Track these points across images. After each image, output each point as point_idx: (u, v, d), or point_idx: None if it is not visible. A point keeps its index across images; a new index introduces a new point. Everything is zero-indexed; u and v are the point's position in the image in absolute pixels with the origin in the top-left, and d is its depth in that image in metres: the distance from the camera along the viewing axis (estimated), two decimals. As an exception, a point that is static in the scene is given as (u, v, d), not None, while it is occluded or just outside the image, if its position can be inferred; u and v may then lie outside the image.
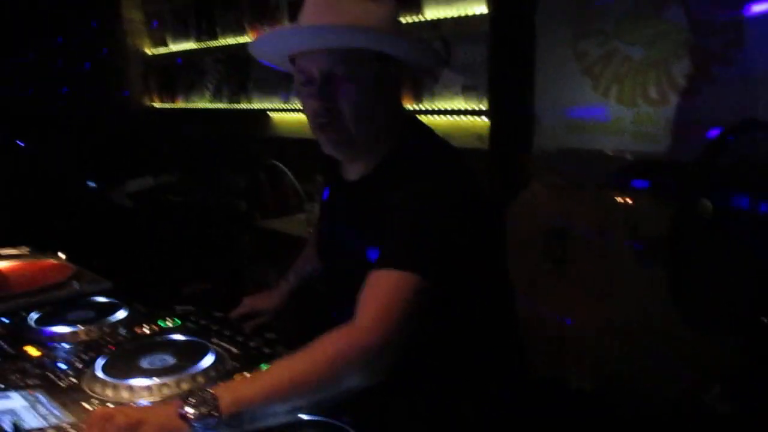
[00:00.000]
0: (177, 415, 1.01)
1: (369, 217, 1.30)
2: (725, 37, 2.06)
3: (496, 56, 2.64)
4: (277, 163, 3.77)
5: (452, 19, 2.81)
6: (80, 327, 1.52)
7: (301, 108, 1.33)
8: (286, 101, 3.83)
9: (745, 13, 2.00)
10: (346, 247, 1.39)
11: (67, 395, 1.21)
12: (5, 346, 1.44)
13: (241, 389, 1.06)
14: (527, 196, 2.58)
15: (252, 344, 1.40)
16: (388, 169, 1.31)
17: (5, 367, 1.33)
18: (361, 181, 1.36)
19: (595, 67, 2.42)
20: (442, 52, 2.86)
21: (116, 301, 1.67)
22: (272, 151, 3.90)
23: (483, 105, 2.74)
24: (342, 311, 1.45)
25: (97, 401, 1.18)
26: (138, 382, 1.22)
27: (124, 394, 1.20)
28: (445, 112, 2.86)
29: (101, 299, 1.71)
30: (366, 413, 1.10)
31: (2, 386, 1.24)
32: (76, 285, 1.82)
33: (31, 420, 1.12)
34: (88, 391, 1.23)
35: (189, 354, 1.31)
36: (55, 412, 1.15)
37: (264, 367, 1.27)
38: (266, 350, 1.37)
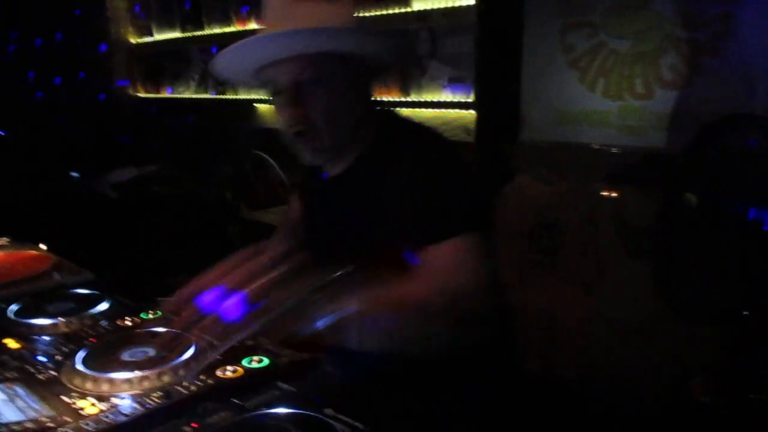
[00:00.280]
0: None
1: (360, 203, 1.31)
2: (713, 29, 2.06)
3: (484, 48, 2.63)
4: (264, 154, 3.75)
5: (439, 10, 2.80)
6: (61, 319, 1.49)
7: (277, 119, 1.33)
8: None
9: (732, 5, 2.01)
10: (337, 238, 1.38)
11: (46, 388, 1.19)
12: (-16, 339, 1.42)
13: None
14: (514, 188, 2.58)
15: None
16: (373, 157, 1.32)
17: (-17, 360, 1.31)
18: (344, 174, 1.36)
19: (582, 59, 2.42)
20: (429, 43, 2.85)
21: (98, 293, 1.65)
22: (258, 143, 3.88)
23: (470, 97, 2.73)
24: None
25: (76, 394, 1.17)
26: (118, 375, 1.20)
27: (104, 387, 1.18)
28: (432, 104, 2.85)
29: (82, 291, 1.69)
30: (351, 406, 1.09)
31: (-20, 379, 1.22)
32: (57, 276, 1.79)
33: (9, 413, 1.10)
34: (67, 384, 1.21)
35: (170, 346, 1.30)
36: (34, 405, 1.13)
37: (246, 361, 1.26)
38: (249, 343, 1.36)
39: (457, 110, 2.77)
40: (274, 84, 1.26)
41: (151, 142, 4.70)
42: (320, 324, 1.03)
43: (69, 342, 1.39)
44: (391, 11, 2.95)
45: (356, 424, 1.04)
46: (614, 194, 2.40)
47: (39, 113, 4.37)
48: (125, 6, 4.84)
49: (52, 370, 1.27)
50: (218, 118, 4.25)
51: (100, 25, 4.77)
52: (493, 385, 1.43)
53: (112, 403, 1.13)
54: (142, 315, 1.53)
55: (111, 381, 1.19)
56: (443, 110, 2.82)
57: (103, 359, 1.26)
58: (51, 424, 1.06)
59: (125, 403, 1.13)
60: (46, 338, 1.43)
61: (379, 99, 2.98)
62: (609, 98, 2.37)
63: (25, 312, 1.54)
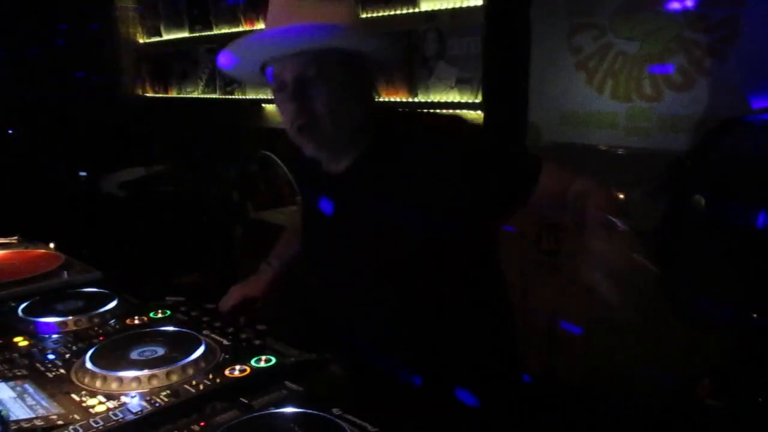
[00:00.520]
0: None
1: (370, 197, 1.32)
2: (720, 31, 2.06)
3: (491, 49, 2.63)
4: (270, 154, 3.75)
5: (447, 11, 2.80)
6: (69, 317, 1.51)
7: (279, 114, 1.34)
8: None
9: (740, 8, 2.00)
10: (345, 237, 1.38)
11: (55, 386, 1.20)
12: (-7, 336, 1.43)
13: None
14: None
15: (242, 336, 1.39)
16: (379, 154, 1.33)
17: (-7, 358, 1.32)
18: (349, 169, 1.36)
19: (590, 61, 2.42)
20: (437, 44, 2.85)
21: (106, 292, 1.66)
22: (265, 143, 3.89)
23: (477, 98, 2.73)
24: (338, 298, 1.46)
25: (85, 392, 1.18)
26: (127, 373, 1.21)
27: (113, 386, 1.19)
28: (440, 105, 2.86)
29: (91, 290, 1.70)
30: (359, 406, 1.10)
31: (-10, 376, 1.23)
32: (65, 275, 1.81)
33: (18, 411, 1.11)
34: (76, 382, 1.22)
35: (179, 345, 1.31)
36: (43, 402, 1.14)
37: (254, 361, 1.27)
38: (257, 342, 1.36)
39: (464, 111, 2.77)
40: (278, 80, 1.28)
41: (159, 142, 4.72)
42: None
43: (78, 340, 1.41)
44: (398, 12, 2.95)
45: (364, 423, 1.04)
46: (620, 196, 2.39)
47: (48, 113, 4.39)
48: (133, 6, 4.86)
49: (61, 368, 1.28)
50: (225, 118, 4.26)
51: (109, 25, 4.79)
52: (494, 386, 1.43)
53: (121, 401, 1.14)
54: (151, 314, 1.54)
55: (120, 379, 1.20)
56: (451, 111, 2.82)
57: (112, 358, 1.28)
58: (60, 422, 1.07)
59: (134, 401, 1.14)
60: (55, 336, 1.44)
61: (386, 100, 3.01)
62: (616, 100, 2.36)
63: (35, 310, 1.56)
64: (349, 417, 1.06)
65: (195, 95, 4.50)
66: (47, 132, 4.35)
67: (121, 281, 1.74)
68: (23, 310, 1.56)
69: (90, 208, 3.96)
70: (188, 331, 1.40)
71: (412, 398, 1.38)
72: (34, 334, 1.45)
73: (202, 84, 4.44)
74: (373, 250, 1.34)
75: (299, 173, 1.58)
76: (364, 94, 1.35)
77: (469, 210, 1.28)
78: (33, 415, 1.10)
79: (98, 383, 1.20)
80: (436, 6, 2.84)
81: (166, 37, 4.70)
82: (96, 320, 1.52)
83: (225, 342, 1.37)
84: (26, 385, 1.20)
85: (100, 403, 1.14)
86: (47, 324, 1.48)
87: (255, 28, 3.84)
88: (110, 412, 1.10)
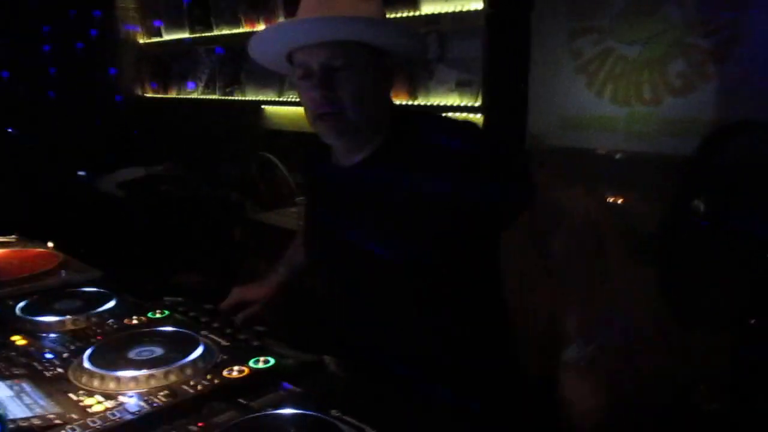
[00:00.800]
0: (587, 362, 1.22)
1: (383, 191, 1.34)
2: (721, 35, 2.06)
3: (492, 52, 2.63)
4: (270, 155, 3.76)
5: (448, 14, 2.80)
6: (68, 317, 1.50)
7: (300, 101, 1.37)
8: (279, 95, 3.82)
9: (741, 12, 2.01)
10: (352, 230, 1.39)
11: (53, 385, 1.20)
12: (-9, 335, 1.43)
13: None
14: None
15: (241, 337, 1.39)
16: (394, 145, 1.35)
17: (-9, 356, 1.32)
18: (363, 162, 1.38)
19: (590, 65, 2.42)
20: (438, 47, 2.86)
21: (105, 291, 1.66)
22: (265, 144, 3.89)
23: (477, 101, 2.73)
24: (341, 298, 1.46)
25: (83, 392, 1.17)
26: (125, 373, 1.20)
27: (111, 385, 1.19)
28: (440, 108, 2.86)
29: (90, 289, 1.69)
30: (357, 407, 1.09)
31: (-13, 375, 1.23)
32: (64, 274, 1.80)
33: (15, 410, 1.11)
34: (74, 381, 1.22)
35: (178, 346, 1.30)
36: (41, 402, 1.14)
37: (253, 362, 1.27)
38: (255, 343, 1.36)
39: (464, 114, 2.77)
40: (304, 67, 1.31)
41: (158, 142, 4.72)
42: None
43: (76, 340, 1.40)
44: (399, 15, 2.96)
45: (362, 425, 1.04)
46: (620, 200, 2.40)
47: (47, 112, 4.39)
48: (134, 6, 4.86)
49: (59, 367, 1.27)
50: (225, 118, 4.26)
51: (109, 26, 4.79)
52: (494, 386, 1.43)
53: (119, 401, 1.13)
54: (149, 314, 1.54)
55: (118, 379, 1.19)
56: (451, 114, 2.82)
57: (110, 357, 1.27)
58: (58, 421, 1.07)
59: (132, 401, 1.13)
60: (54, 336, 1.44)
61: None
62: (617, 104, 2.36)
63: (33, 309, 1.55)
64: (348, 419, 1.06)
65: (195, 96, 4.50)
66: (47, 131, 4.34)
67: (119, 281, 1.73)
68: (21, 309, 1.55)
69: (89, 207, 3.96)
70: (187, 331, 1.40)
71: (411, 400, 1.38)
72: (32, 333, 1.45)
73: (201, 84, 4.44)
74: (375, 246, 1.34)
75: (309, 164, 1.59)
76: (386, 88, 1.39)
77: (472, 215, 1.30)
78: (30, 414, 1.09)
79: (96, 383, 1.20)
80: (437, 9, 2.84)
81: (166, 37, 4.70)
82: (94, 320, 1.51)
83: (223, 343, 1.37)
84: (24, 384, 1.20)
85: (98, 402, 1.13)
86: (45, 323, 1.48)
87: (256, 29, 3.84)
88: (108, 412, 1.09)
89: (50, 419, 1.07)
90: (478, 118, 2.71)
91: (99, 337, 1.41)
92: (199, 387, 1.17)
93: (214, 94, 4.33)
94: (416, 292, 1.35)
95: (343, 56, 1.27)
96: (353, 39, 1.27)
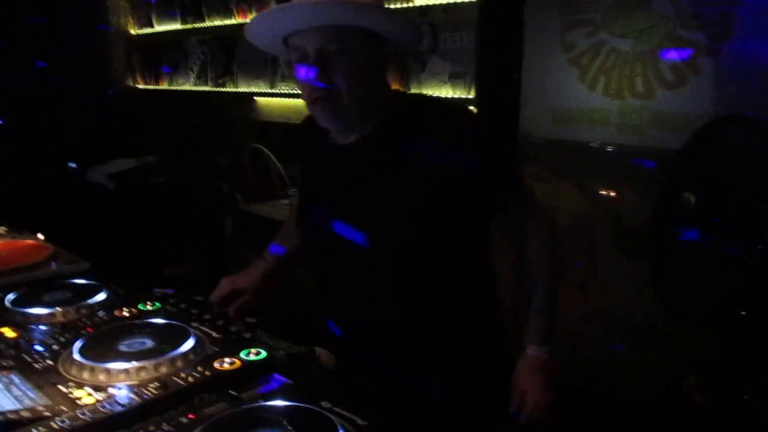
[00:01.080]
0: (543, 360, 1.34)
1: (378, 170, 1.36)
2: (712, 29, 2.07)
3: (484, 45, 2.63)
4: (262, 147, 3.75)
5: (441, 5, 2.79)
6: (57, 308, 1.49)
7: (297, 85, 1.42)
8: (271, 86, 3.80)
9: (732, 6, 2.01)
10: (348, 209, 1.39)
11: (42, 377, 1.19)
12: (-20, 327, 1.42)
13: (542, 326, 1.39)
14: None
15: (233, 329, 1.39)
16: (391, 125, 1.37)
17: (-20, 348, 1.31)
18: (357, 142, 1.39)
19: (582, 58, 2.42)
20: (430, 38, 2.85)
21: (95, 283, 1.65)
22: (257, 135, 3.87)
23: (470, 93, 2.73)
24: (332, 281, 1.46)
25: (72, 384, 1.17)
26: (115, 365, 1.20)
27: (101, 377, 1.18)
28: (432, 100, 2.85)
29: (80, 281, 1.69)
30: (348, 399, 1.09)
31: (-24, 367, 1.22)
32: (54, 266, 1.79)
33: (4, 402, 1.10)
34: (64, 373, 1.21)
35: (168, 338, 1.30)
36: (30, 394, 1.13)
37: (244, 354, 1.26)
38: (246, 335, 1.36)
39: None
40: (300, 51, 1.32)
41: (149, 134, 4.69)
42: None
43: (66, 331, 1.39)
44: (393, 6, 2.95)
45: (353, 416, 1.04)
46: (612, 193, 2.41)
47: (37, 103, 4.35)
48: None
49: (49, 359, 1.27)
50: (217, 110, 4.24)
51: (100, 15, 4.75)
52: (484, 377, 1.44)
53: (109, 393, 1.13)
54: (140, 306, 1.53)
55: (108, 371, 1.19)
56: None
57: (100, 349, 1.27)
58: (47, 413, 1.06)
59: (122, 393, 1.13)
60: (43, 327, 1.43)
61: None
62: (609, 97, 2.37)
63: (22, 301, 1.54)
64: (339, 410, 1.06)
65: (186, 87, 4.47)
66: (37, 122, 4.31)
67: (110, 272, 1.73)
68: (11, 301, 1.54)
69: (79, 199, 3.93)
70: (177, 323, 1.39)
71: (401, 392, 1.38)
72: (22, 324, 1.44)
73: (193, 75, 4.42)
74: (366, 226, 1.35)
75: (304, 144, 1.60)
76: (381, 73, 1.40)
77: (461, 197, 1.32)
78: (20, 407, 1.09)
79: (86, 375, 1.19)
80: (430, 1, 2.83)
81: (158, 28, 4.67)
82: (84, 311, 1.50)
83: (214, 334, 1.36)
84: (13, 376, 1.19)
85: (88, 394, 1.13)
86: (35, 315, 1.47)
87: (248, 20, 3.82)
88: (98, 404, 1.09)
89: (39, 411, 1.07)
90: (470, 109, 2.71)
91: (89, 329, 1.41)
92: (190, 379, 1.17)
93: (207, 85, 4.31)
94: (407, 277, 1.35)
95: (338, 40, 1.28)
96: (348, 24, 1.28)
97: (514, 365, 1.39)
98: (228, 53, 4.12)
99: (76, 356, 1.24)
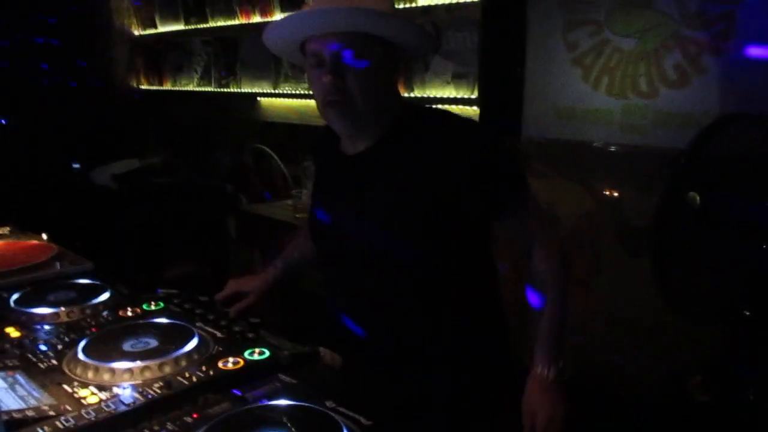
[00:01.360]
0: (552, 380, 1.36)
1: (384, 180, 1.38)
2: (716, 28, 2.06)
3: (487, 44, 2.62)
4: (265, 147, 3.75)
5: (444, 5, 2.79)
6: (62, 308, 1.50)
7: (311, 89, 1.41)
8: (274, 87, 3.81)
9: (735, 5, 2.00)
10: (354, 217, 1.40)
11: (47, 377, 1.20)
12: (-15, 327, 1.42)
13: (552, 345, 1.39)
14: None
15: (236, 329, 1.39)
16: (397, 136, 1.39)
17: (-16, 348, 1.31)
18: (366, 152, 1.41)
19: (586, 57, 2.42)
20: (433, 39, 2.85)
21: (99, 283, 1.66)
22: (260, 136, 3.88)
23: (473, 93, 2.73)
24: (340, 286, 1.47)
25: (77, 383, 1.17)
26: (120, 365, 1.20)
27: (106, 377, 1.19)
28: (436, 100, 2.85)
29: (84, 281, 1.69)
30: (352, 398, 1.10)
31: (-19, 367, 1.22)
32: (58, 266, 1.80)
33: (9, 401, 1.11)
34: (68, 373, 1.22)
35: (172, 337, 1.30)
36: (35, 393, 1.14)
37: (248, 353, 1.27)
38: (250, 335, 1.36)
39: (460, 106, 2.77)
40: (316, 56, 1.34)
41: (153, 134, 4.70)
42: None
43: (70, 331, 1.40)
44: (396, 6, 2.94)
45: (357, 416, 1.04)
46: (615, 193, 2.40)
47: (41, 103, 4.36)
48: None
49: (53, 359, 1.27)
50: (220, 110, 4.24)
51: (104, 16, 4.75)
52: (491, 381, 1.44)
53: (113, 392, 1.13)
54: (144, 306, 1.54)
55: (112, 371, 1.19)
56: (446, 106, 2.81)
57: (105, 349, 1.27)
58: (52, 413, 1.07)
59: (126, 392, 1.13)
60: (48, 327, 1.43)
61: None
62: (612, 96, 2.36)
63: (27, 301, 1.55)
64: (343, 410, 1.06)
65: (190, 88, 4.48)
66: (41, 122, 4.32)
67: (114, 272, 1.73)
68: (15, 301, 1.55)
69: (83, 199, 3.94)
70: (181, 323, 1.40)
71: (405, 392, 1.38)
72: (26, 324, 1.45)
73: (197, 76, 4.42)
74: (374, 235, 1.36)
75: (317, 152, 1.64)
76: (394, 80, 1.43)
77: (463, 211, 1.33)
78: (24, 406, 1.09)
79: (90, 374, 1.20)
80: (433, 1, 2.83)
81: (161, 29, 4.67)
82: (88, 311, 1.51)
83: (218, 334, 1.37)
84: (18, 376, 1.20)
85: (92, 394, 1.13)
86: (39, 315, 1.48)
87: (251, 21, 3.82)
88: (102, 404, 1.10)
89: (44, 411, 1.07)
90: (473, 110, 2.71)
91: (93, 329, 1.41)
92: (194, 378, 1.17)
93: (210, 86, 4.31)
94: (412, 281, 1.36)
95: (355, 47, 1.30)
96: (366, 31, 1.30)
97: (517, 365, 1.39)
98: (231, 54, 4.12)
99: (81, 356, 1.24)
